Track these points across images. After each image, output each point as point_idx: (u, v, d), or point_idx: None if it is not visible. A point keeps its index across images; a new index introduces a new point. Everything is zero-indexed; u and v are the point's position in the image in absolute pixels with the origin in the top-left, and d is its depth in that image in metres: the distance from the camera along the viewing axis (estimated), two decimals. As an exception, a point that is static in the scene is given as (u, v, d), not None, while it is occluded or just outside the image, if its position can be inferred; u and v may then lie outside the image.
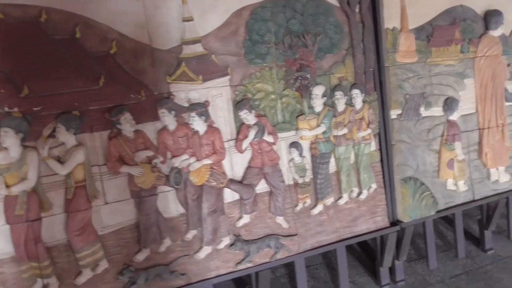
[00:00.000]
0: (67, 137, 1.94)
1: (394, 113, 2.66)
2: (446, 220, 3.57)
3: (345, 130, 2.50)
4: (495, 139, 2.97)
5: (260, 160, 2.32)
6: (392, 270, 2.87)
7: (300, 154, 2.42)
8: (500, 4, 2.94)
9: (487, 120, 2.95)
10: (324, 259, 3.16)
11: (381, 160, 2.68)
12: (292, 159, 2.41)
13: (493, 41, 2.89)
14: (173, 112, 2.13)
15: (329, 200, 2.52)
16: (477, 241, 3.30)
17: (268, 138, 2.32)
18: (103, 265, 2.05)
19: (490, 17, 2.87)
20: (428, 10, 2.72)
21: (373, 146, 2.64)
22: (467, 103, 2.90)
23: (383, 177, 2.68)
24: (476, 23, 2.87)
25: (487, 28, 2.90)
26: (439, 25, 2.74)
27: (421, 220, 2.78)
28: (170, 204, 2.19)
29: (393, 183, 2.70)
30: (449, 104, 2.79)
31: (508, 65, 3.01)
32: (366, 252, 3.12)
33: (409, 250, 3.22)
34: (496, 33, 2.91)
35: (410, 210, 2.70)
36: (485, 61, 2.89)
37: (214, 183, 2.23)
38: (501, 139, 3.00)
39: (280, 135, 2.39)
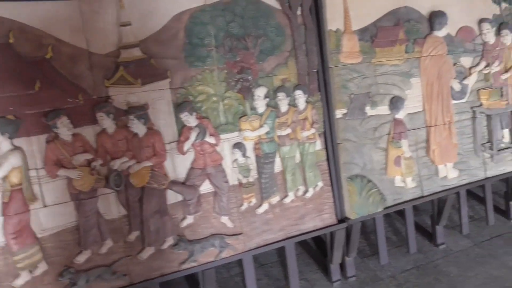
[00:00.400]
0: (2, 141, 1.97)
1: (339, 113, 2.73)
2: (403, 216, 3.65)
3: (288, 130, 2.56)
4: (442, 136, 3.06)
5: (203, 161, 2.37)
6: (343, 267, 2.94)
7: (244, 155, 2.47)
8: (445, 5, 3.03)
9: (434, 118, 3.04)
10: (279, 257, 3.22)
11: (328, 159, 2.74)
12: (235, 160, 2.46)
13: (437, 41, 2.98)
14: (111, 115, 2.17)
15: (275, 199, 2.59)
16: (430, 236, 3.39)
17: (210, 139, 2.37)
18: (42, 267, 2.08)
19: (435, 18, 2.96)
20: (372, 11, 2.80)
21: (319, 145, 2.70)
22: (414, 101, 2.98)
23: (330, 175, 2.75)
24: (421, 24, 2.95)
25: (432, 28, 2.98)
26: (383, 26, 2.82)
27: (369, 217, 2.85)
28: (111, 206, 2.23)
29: (340, 181, 2.77)
30: (395, 103, 2.87)
31: (454, 64, 3.10)
32: (320, 249, 3.19)
33: (363, 246, 3.32)
34: (440, 33, 2.99)
35: (357, 207, 2.78)
36: (430, 60, 2.98)
37: (155, 185, 2.27)
38: (448, 136, 3.09)
39: (223, 136, 2.44)
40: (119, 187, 2.20)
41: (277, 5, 2.53)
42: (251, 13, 2.45)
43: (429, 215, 3.44)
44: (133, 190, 2.26)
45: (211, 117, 2.41)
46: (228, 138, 2.46)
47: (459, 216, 3.45)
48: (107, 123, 2.17)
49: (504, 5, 3.30)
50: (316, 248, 3.28)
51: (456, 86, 3.09)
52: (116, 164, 2.21)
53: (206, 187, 2.43)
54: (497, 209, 3.76)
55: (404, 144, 2.92)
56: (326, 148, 2.73)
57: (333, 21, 2.68)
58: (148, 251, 2.29)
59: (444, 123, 3.07)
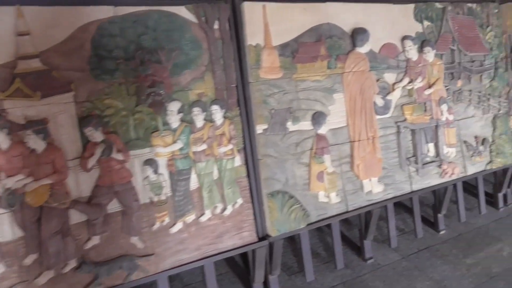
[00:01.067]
0: None
1: (260, 128, 2.72)
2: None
3: (204, 146, 2.52)
4: (366, 151, 3.11)
5: (109, 178, 2.28)
6: (266, 285, 2.91)
7: (156, 172, 2.40)
8: (367, 23, 3.11)
9: (357, 133, 3.09)
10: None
11: (248, 175, 2.71)
12: (147, 177, 2.39)
13: (359, 58, 3.05)
14: (5, 130, 2.05)
15: (190, 217, 2.52)
16: (358, 251, 3.42)
17: (117, 155, 2.29)
18: None
19: (356, 35, 3.03)
20: (293, 27, 2.82)
21: (238, 161, 2.67)
22: (337, 117, 3.02)
23: (250, 192, 2.72)
24: (343, 40, 3.01)
25: (354, 45, 3.05)
26: (304, 42, 2.85)
27: (291, 234, 2.84)
28: (5, 227, 2.10)
29: (260, 198, 2.74)
30: (317, 118, 2.90)
31: (378, 80, 3.17)
32: (247, 268, 3.14)
33: (292, 263, 3.31)
34: (362, 50, 3.06)
35: (278, 224, 2.76)
36: (352, 76, 3.04)
37: (55, 204, 2.16)
38: (372, 151, 3.14)
39: (133, 152, 2.36)
40: (13, 207, 2.08)
41: (193, 19, 2.51)
42: (164, 26, 2.41)
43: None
44: (30, 210, 2.14)
45: (120, 132, 2.33)
46: (138, 154, 2.39)
47: (387, 230, 3.50)
48: (1, 138, 2.04)
49: (426, 23, 3.43)
50: (244, 266, 3.23)
51: (379, 102, 3.16)
52: (10, 183, 2.08)
53: (114, 206, 2.34)
54: (426, 221, 3.86)
55: (327, 159, 2.94)
56: (246, 164, 2.71)
57: (253, 36, 2.67)
58: (47, 275, 2.16)
59: (368, 138, 3.12)
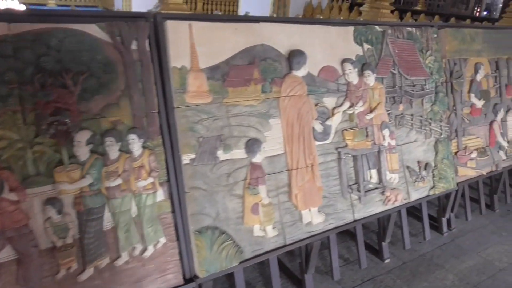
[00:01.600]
0: None
1: (186, 158, 2.48)
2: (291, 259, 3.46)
3: (119, 181, 2.25)
4: (305, 179, 2.94)
5: (0, 222, 1.95)
6: (196, 330, 2.63)
7: (60, 212, 2.10)
8: (305, 45, 2.97)
9: (295, 160, 2.91)
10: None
11: (173, 211, 2.45)
12: (49, 218, 2.08)
13: (296, 81, 2.90)
14: None
15: (103, 262, 2.22)
16: (300, 284, 3.22)
17: (10, 195, 1.97)
18: None
19: (293, 58, 2.88)
20: (224, 49, 2.63)
21: (161, 195, 2.41)
22: (274, 143, 2.84)
23: (176, 229, 2.46)
24: (279, 62, 2.85)
25: (291, 68, 2.89)
26: (236, 64, 2.66)
27: (222, 273, 2.60)
28: None
29: (187, 236, 2.48)
30: (251, 146, 2.70)
31: (316, 104, 3.03)
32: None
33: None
34: (299, 73, 2.92)
35: (207, 264, 2.51)
36: (289, 101, 2.88)
37: None
38: (311, 179, 2.98)
39: (31, 190, 2.05)
40: None
41: (106, 38, 2.25)
42: (71, 46, 2.14)
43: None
44: None
45: (15, 168, 2.01)
46: (39, 193, 2.08)
47: (330, 261, 3.33)
48: None
49: (366, 46, 3.35)
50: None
51: (318, 127, 3.01)
52: None
53: (6, 254, 2.00)
54: (371, 249, 3.74)
55: (262, 190, 2.74)
56: (171, 198, 2.45)
57: (177, 57, 2.45)
58: None
59: (307, 166, 2.96)
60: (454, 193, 3.96)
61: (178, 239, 2.49)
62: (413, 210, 4.25)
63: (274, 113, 2.85)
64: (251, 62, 2.73)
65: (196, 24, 2.53)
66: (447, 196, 3.98)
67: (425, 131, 3.75)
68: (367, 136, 3.33)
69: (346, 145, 3.22)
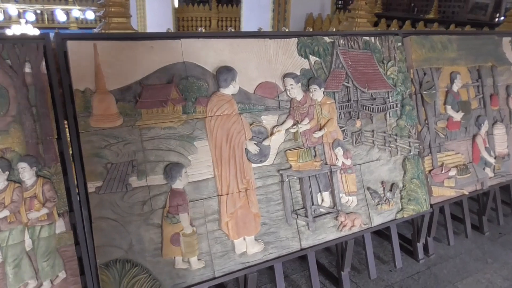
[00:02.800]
0: None
1: (92, 186, 2.35)
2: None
3: (6, 212, 2.13)
4: (237, 206, 2.75)
5: None
6: None
7: None
8: (236, 61, 2.82)
9: (225, 185, 2.73)
10: None
11: (78, 243, 2.31)
12: None
13: (223, 100, 2.74)
14: None
15: (-11, 301, 2.10)
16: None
17: None
18: None
19: (219, 75, 2.73)
20: (137, 68, 2.52)
21: (61, 227, 2.29)
22: (201, 167, 2.68)
23: (80, 263, 2.32)
24: (204, 81, 2.71)
25: (218, 86, 2.73)
26: (150, 84, 2.53)
27: (133, 311, 2.41)
28: None
29: (94, 270, 2.33)
30: (169, 171, 2.54)
31: (251, 124, 2.85)
32: None
33: None
34: (227, 91, 2.76)
35: (114, 301, 2.34)
36: (216, 121, 2.71)
37: None
38: (245, 205, 2.78)
39: None
40: None
41: (-4, 62, 2.16)
42: (-46, 71, 2.06)
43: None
44: None
45: None
46: None
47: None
48: None
49: (313, 58, 3.16)
50: None
51: (252, 148, 2.83)
52: None
53: None
54: (332, 278, 3.45)
55: (183, 219, 2.57)
56: (74, 229, 2.31)
57: (81, 79, 2.36)
58: None
59: (240, 191, 2.77)
60: (429, 215, 3.62)
61: (83, 273, 2.33)
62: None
63: (199, 134, 2.68)
64: (169, 81, 2.59)
65: (102, 44, 2.42)
66: (422, 218, 3.65)
67: (390, 148, 3.47)
68: (315, 156, 3.10)
69: (290, 167, 3.00)
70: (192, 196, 2.65)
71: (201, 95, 2.70)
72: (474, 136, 4.02)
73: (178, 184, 2.58)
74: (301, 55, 3.13)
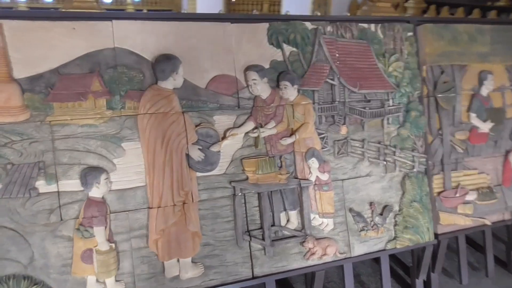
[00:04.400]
0: None
1: (-13, 189, 2.05)
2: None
3: None
4: (169, 222, 2.35)
5: None
6: None
7: None
8: (186, 48, 2.41)
9: (157, 196, 2.34)
10: None
11: (-31, 252, 2.05)
12: None
13: (160, 95, 2.32)
14: None
15: None
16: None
17: None
18: None
19: (156, 64, 2.31)
20: (54, 54, 2.18)
21: None
22: (129, 174, 2.31)
23: (-30, 276, 2.05)
24: (138, 71, 2.31)
25: (156, 78, 2.32)
26: (68, 73, 2.18)
27: (28, 336, 2.11)
28: None
29: (-18, 284, 2.06)
30: (85, 176, 2.19)
31: (198, 125, 2.41)
32: None
33: None
34: (166, 84, 2.34)
35: (3, 323, 2.05)
36: (150, 120, 2.30)
37: None
38: (181, 221, 2.38)
39: None
40: None
41: None
42: None
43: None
44: None
45: None
46: None
47: None
48: None
49: (288, 48, 2.63)
50: None
51: (195, 154, 2.40)
52: None
53: None
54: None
55: (99, 233, 2.22)
56: (-36, 236, 2.04)
57: (-19, 65, 2.04)
58: None
59: (175, 204, 2.35)
60: (432, 247, 2.97)
61: (-27, 287, 2.06)
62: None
63: (129, 135, 2.30)
64: (92, 71, 2.21)
65: (10, 24, 2.10)
66: (422, 250, 3.00)
67: (385, 163, 2.87)
68: (280, 167, 2.59)
69: (247, 178, 2.52)
70: (115, 206, 2.28)
71: (133, 88, 2.30)
72: (508, 153, 3.25)
73: (95, 192, 2.22)
74: (272, 44, 2.61)
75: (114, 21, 2.28)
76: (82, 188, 2.22)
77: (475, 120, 3.12)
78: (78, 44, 2.21)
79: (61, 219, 2.19)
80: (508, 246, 3.48)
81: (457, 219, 3.05)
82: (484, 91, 3.14)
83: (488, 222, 3.14)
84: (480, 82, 3.13)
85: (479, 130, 3.14)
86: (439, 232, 3.00)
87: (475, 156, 3.16)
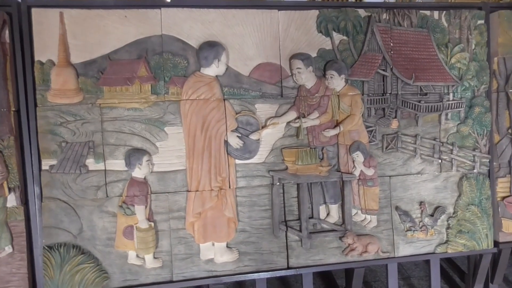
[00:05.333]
0: None
1: (46, 164, 2.30)
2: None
3: (-47, 180, 2.20)
4: (207, 206, 2.43)
5: None
6: None
7: None
8: (231, 35, 2.44)
9: (196, 180, 2.42)
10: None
11: (28, 219, 2.31)
12: None
13: (201, 81, 2.38)
14: None
15: None
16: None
17: None
18: None
19: (200, 51, 2.37)
20: (107, 41, 2.33)
21: (12, 201, 2.29)
22: (171, 157, 2.42)
23: (29, 240, 2.31)
24: (183, 57, 2.39)
25: (200, 64, 2.39)
26: (118, 59, 2.32)
27: (73, 299, 2.34)
28: None
29: (38, 249, 2.31)
30: (129, 157, 2.34)
31: (238, 112, 2.44)
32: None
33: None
34: (209, 71, 2.40)
35: (54, 285, 2.30)
36: (191, 106, 2.38)
37: None
38: (218, 206, 2.45)
39: None
40: None
41: (-44, 29, 2.20)
42: None
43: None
44: None
45: None
46: None
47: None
48: None
49: (338, 37, 2.54)
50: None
51: (234, 141, 2.43)
52: None
53: None
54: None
55: (139, 211, 2.36)
56: (27, 205, 2.30)
57: (43, 50, 2.28)
58: None
59: (212, 189, 2.42)
60: (491, 256, 2.74)
61: (30, 251, 2.32)
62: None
63: (172, 119, 2.40)
64: (139, 57, 2.33)
65: (69, 12, 2.29)
66: (480, 257, 2.78)
67: (440, 161, 2.68)
68: (322, 159, 2.54)
69: (286, 168, 2.52)
70: (156, 188, 2.41)
71: (177, 74, 2.38)
72: None
73: (138, 173, 2.35)
74: (321, 32, 2.53)
75: (162, 8, 2.36)
76: (126, 168, 2.36)
77: (554, 119, 2.77)
78: (128, 31, 2.34)
79: (107, 196, 2.35)
80: None
81: (523, 228, 2.76)
82: None
83: (562, 235, 2.79)
84: None
85: (559, 130, 2.78)
86: (500, 240, 2.75)
87: (552, 160, 2.81)
